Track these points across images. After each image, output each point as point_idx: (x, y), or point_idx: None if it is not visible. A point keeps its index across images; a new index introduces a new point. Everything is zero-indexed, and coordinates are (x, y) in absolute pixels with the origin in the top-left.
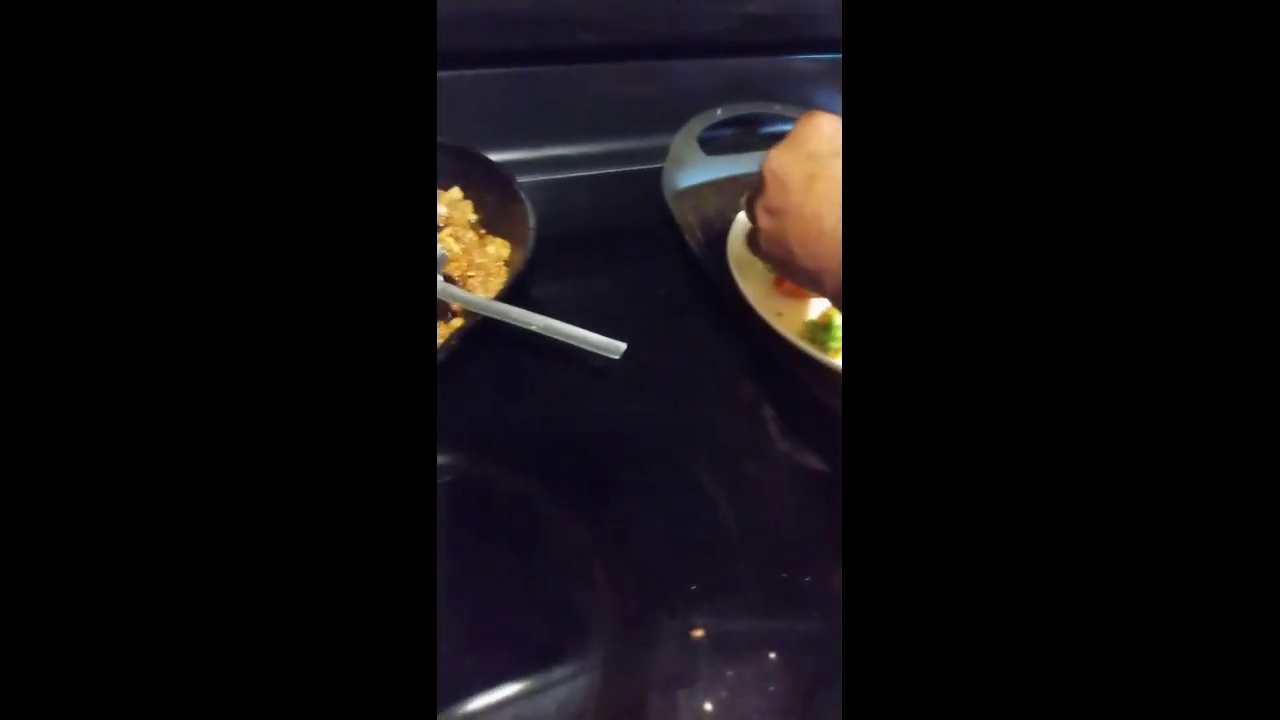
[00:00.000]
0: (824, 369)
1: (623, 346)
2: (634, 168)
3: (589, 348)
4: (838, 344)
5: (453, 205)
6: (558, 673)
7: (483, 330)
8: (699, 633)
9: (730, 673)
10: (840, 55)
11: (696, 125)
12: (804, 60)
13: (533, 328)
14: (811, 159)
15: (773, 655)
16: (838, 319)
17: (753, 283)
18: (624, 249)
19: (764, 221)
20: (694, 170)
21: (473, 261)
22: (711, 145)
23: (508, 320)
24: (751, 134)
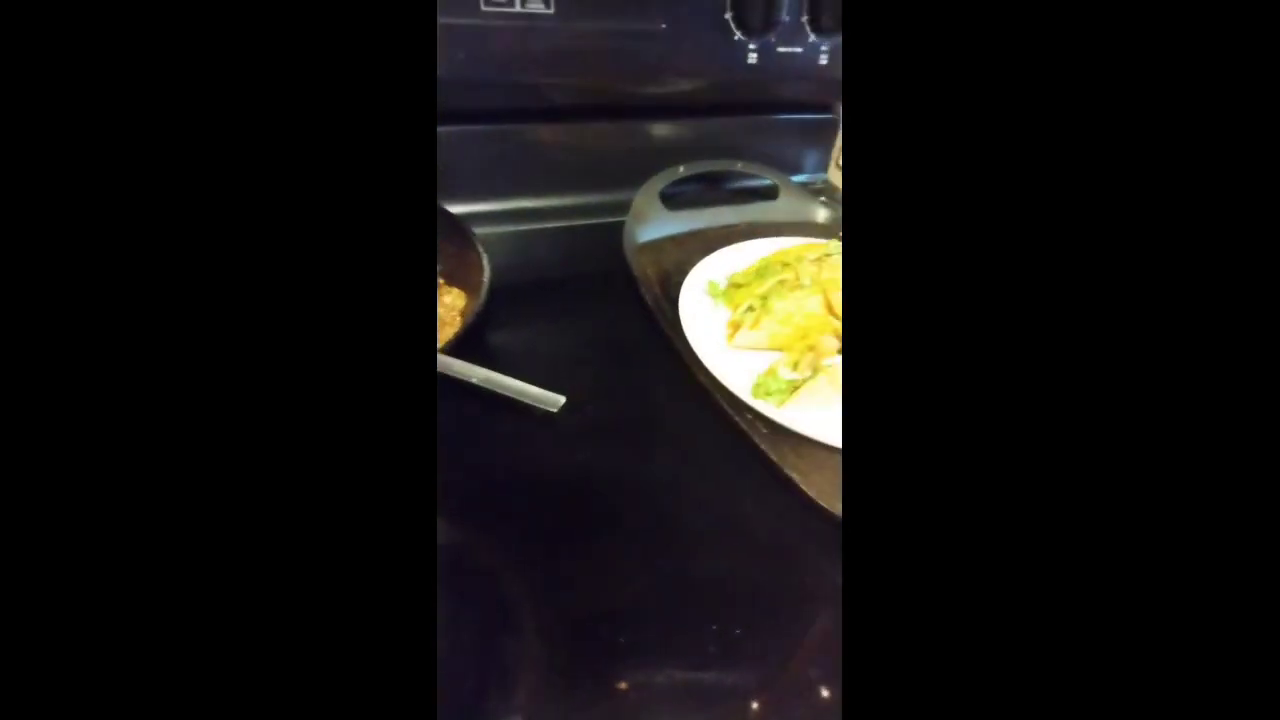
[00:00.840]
0: (771, 423)
1: (561, 400)
2: (597, 221)
3: (528, 400)
4: (784, 397)
5: None
6: None
7: None
8: (623, 685)
9: (620, 695)
10: (807, 116)
11: (659, 181)
12: (769, 120)
13: (473, 380)
14: None
15: (699, 708)
16: (783, 373)
17: (705, 336)
18: (582, 300)
19: None
20: (655, 224)
21: None
22: (674, 201)
23: (450, 373)
24: (714, 190)
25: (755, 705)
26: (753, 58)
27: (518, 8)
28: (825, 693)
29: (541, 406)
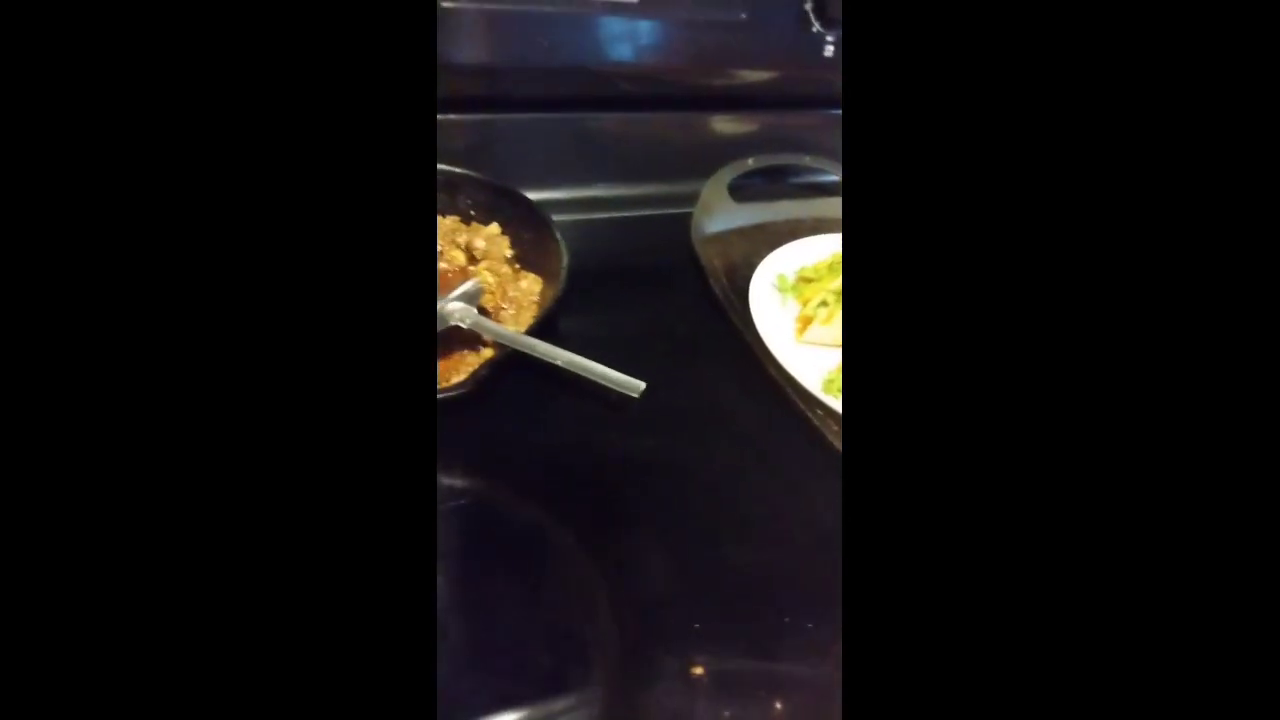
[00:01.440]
0: (839, 417)
1: (642, 385)
2: (666, 211)
3: (610, 385)
4: None
5: (491, 240)
6: (557, 702)
7: (511, 361)
8: (699, 670)
9: (728, 713)
10: None
11: (728, 173)
12: (839, 114)
13: (557, 362)
14: None
15: (771, 697)
16: None
17: (774, 330)
18: (651, 289)
19: None
20: (723, 216)
21: (506, 294)
22: (741, 193)
23: (534, 354)
24: (782, 184)
25: (827, 696)
26: (829, 50)
27: None
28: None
29: (623, 391)
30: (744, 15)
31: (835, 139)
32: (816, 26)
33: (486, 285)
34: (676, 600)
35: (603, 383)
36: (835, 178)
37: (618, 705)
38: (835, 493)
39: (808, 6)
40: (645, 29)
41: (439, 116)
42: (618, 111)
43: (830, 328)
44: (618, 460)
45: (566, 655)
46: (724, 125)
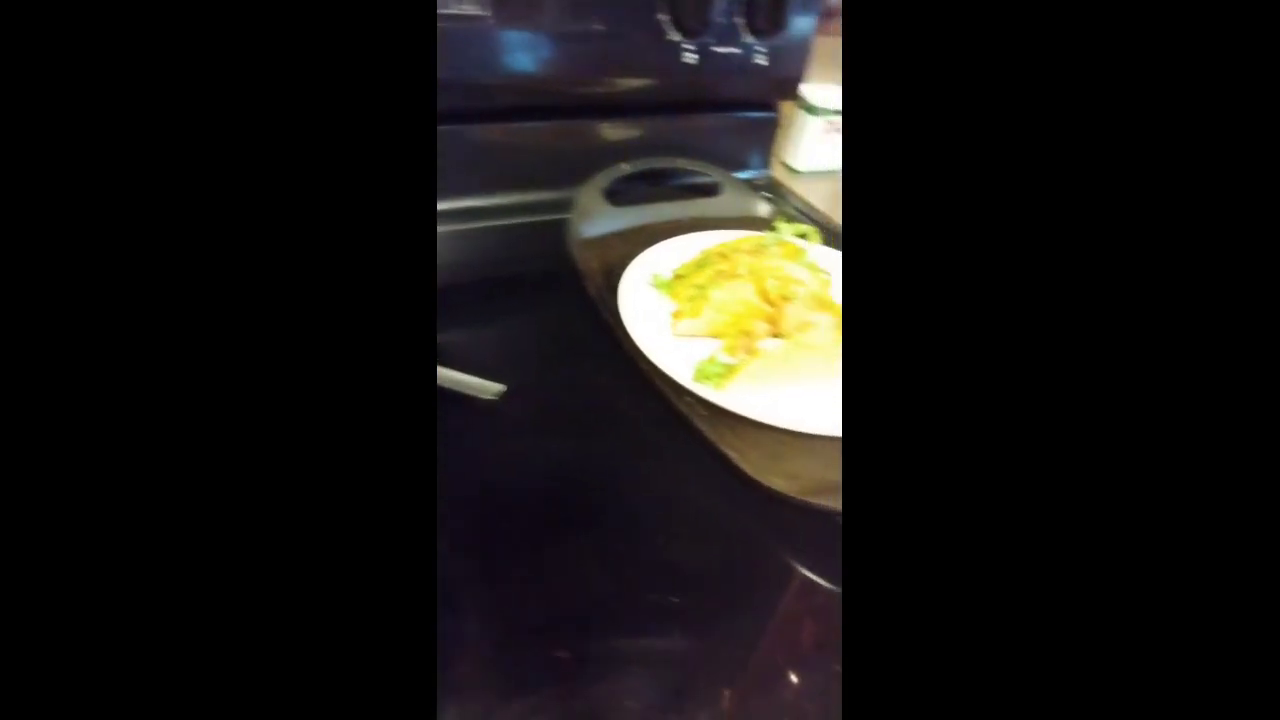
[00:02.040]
0: (709, 405)
1: (499, 388)
2: (543, 218)
3: (466, 391)
4: (723, 381)
5: None
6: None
7: None
8: (564, 653)
9: (593, 688)
10: (749, 114)
11: (604, 178)
12: (712, 118)
13: None
14: None
15: (635, 671)
16: (722, 358)
17: (649, 326)
18: (526, 295)
19: None
20: (600, 220)
21: None
22: (618, 198)
23: None
24: (658, 187)
25: (689, 667)
26: (690, 58)
27: (451, 9)
28: (774, 655)
29: (480, 395)
30: (599, 26)
31: (708, 142)
32: (673, 36)
33: None
34: (549, 592)
35: (459, 389)
36: (711, 179)
37: (482, 691)
38: (703, 476)
39: (661, 17)
40: (510, 40)
41: None
42: (491, 123)
43: (699, 320)
44: (494, 462)
45: (448, 662)
46: (598, 132)
